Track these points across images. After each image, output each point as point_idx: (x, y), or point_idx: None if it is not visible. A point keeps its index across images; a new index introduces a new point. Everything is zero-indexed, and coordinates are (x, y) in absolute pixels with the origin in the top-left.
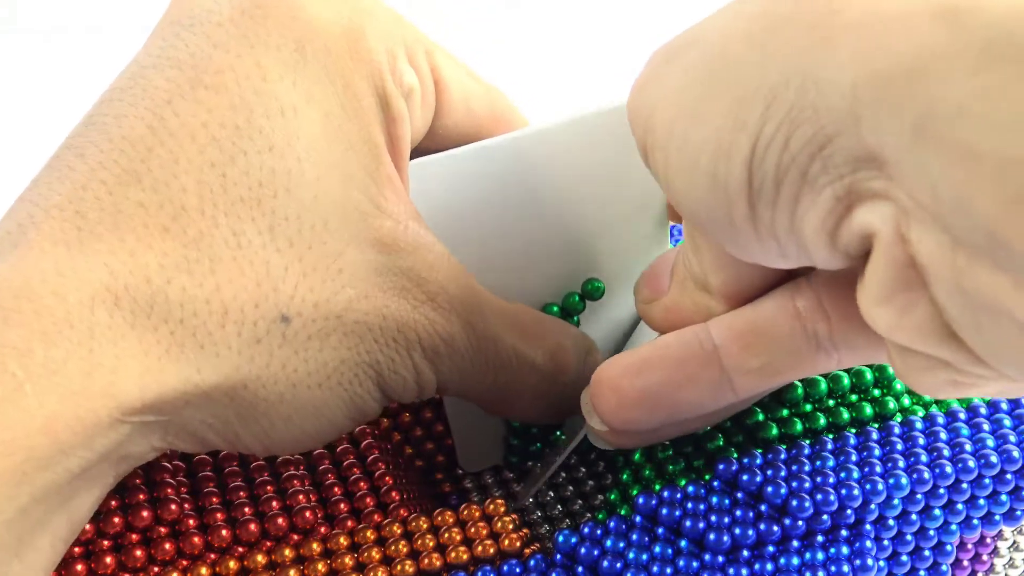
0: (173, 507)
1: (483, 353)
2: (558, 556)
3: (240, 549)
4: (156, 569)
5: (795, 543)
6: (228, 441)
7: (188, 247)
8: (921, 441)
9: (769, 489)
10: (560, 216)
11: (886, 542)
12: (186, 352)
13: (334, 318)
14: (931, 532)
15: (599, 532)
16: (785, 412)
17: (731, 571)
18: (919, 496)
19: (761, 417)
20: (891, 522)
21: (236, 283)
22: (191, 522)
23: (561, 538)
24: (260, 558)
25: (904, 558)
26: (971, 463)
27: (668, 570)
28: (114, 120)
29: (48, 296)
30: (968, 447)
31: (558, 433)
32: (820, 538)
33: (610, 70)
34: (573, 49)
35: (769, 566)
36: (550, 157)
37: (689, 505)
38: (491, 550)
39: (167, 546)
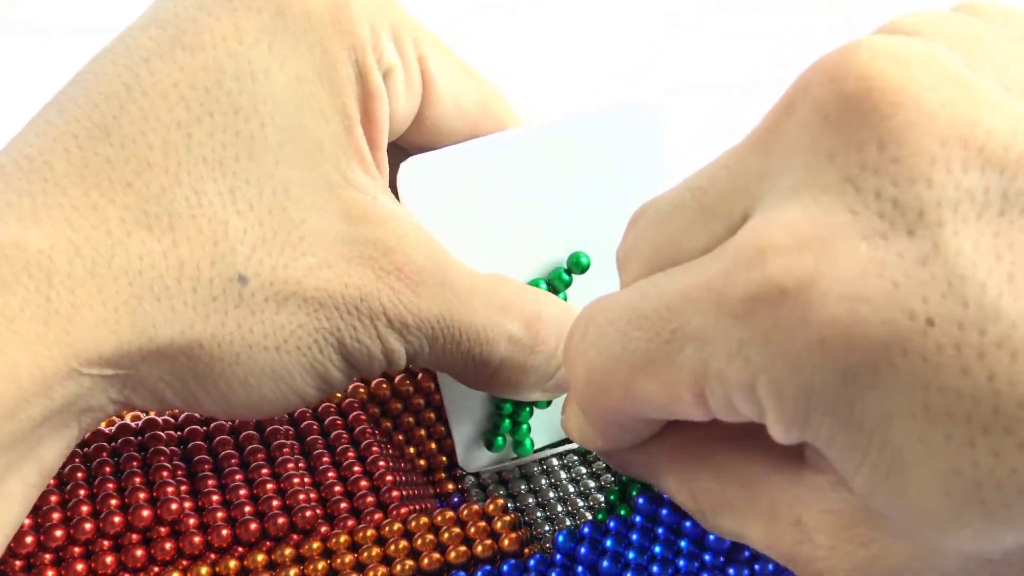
0: (173, 507)
1: (454, 324)
2: (558, 556)
3: (240, 549)
4: (156, 569)
5: None
6: (187, 402)
7: (149, 202)
8: None
9: None
10: (554, 214)
11: None
12: (143, 305)
13: (293, 283)
14: None
15: (599, 532)
16: None
17: (731, 571)
18: None
19: None
20: None
21: (193, 240)
22: (191, 522)
23: (561, 538)
24: (260, 557)
25: None
26: None
27: (668, 570)
28: (94, 77)
29: (9, 246)
30: None
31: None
32: None
33: (602, 71)
34: (568, 50)
35: (769, 566)
36: (544, 156)
37: None
38: (491, 550)
39: (167, 546)
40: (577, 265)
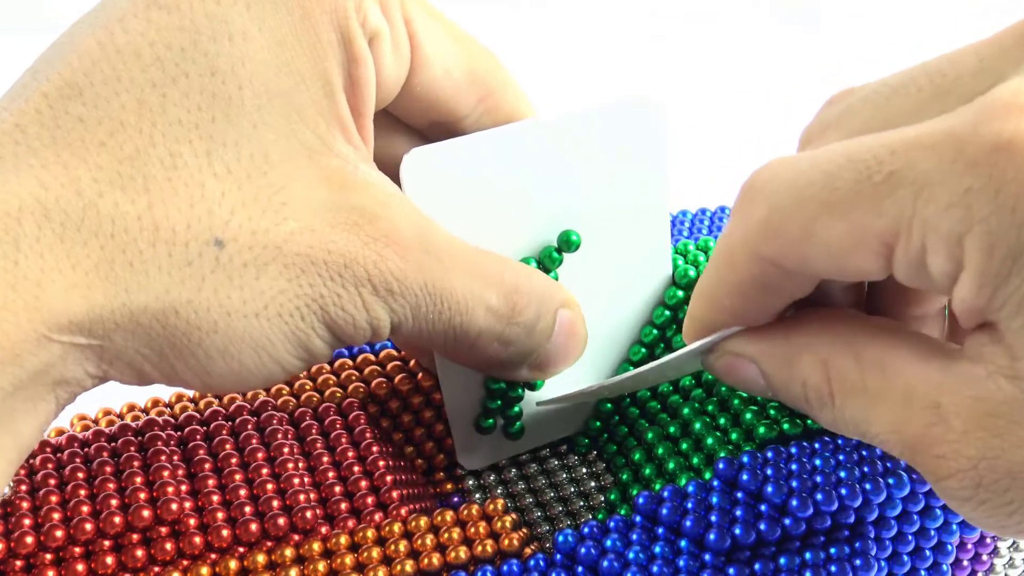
0: (174, 507)
1: (437, 292)
2: (558, 556)
3: (240, 549)
4: (157, 569)
5: (795, 543)
6: (165, 375)
7: (123, 163)
8: None
9: (769, 489)
10: (558, 208)
11: (887, 542)
12: (115, 269)
13: (273, 248)
14: (932, 531)
15: (599, 532)
16: (784, 412)
17: (731, 571)
18: (919, 495)
19: (760, 417)
20: (892, 521)
21: (169, 203)
22: (192, 522)
23: (561, 538)
24: (260, 558)
25: (905, 558)
26: None
27: (668, 570)
28: (69, 39)
29: None
30: None
31: (520, 390)
32: (820, 538)
33: (606, 68)
34: (571, 46)
35: (769, 566)
36: (548, 149)
37: (689, 505)
38: (491, 550)
39: (168, 546)
40: (568, 243)
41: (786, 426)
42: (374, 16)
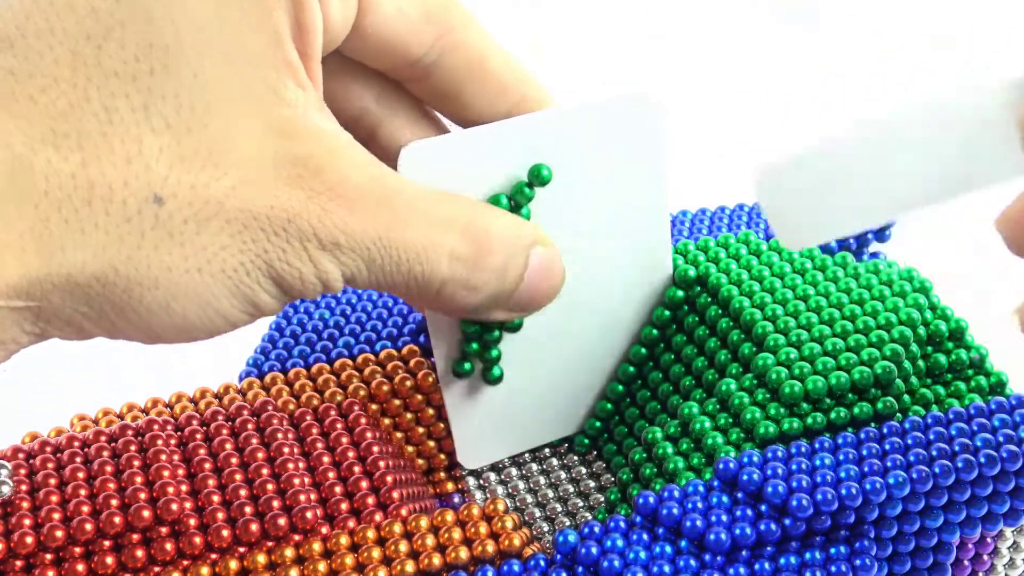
0: (174, 507)
1: (392, 243)
2: (558, 556)
3: (241, 549)
4: (157, 569)
5: (795, 543)
6: (106, 330)
7: (56, 119)
8: (921, 440)
9: (769, 488)
10: (554, 202)
11: (886, 541)
12: (51, 228)
13: (215, 203)
14: (932, 531)
15: (599, 532)
16: (784, 412)
17: (731, 571)
18: (919, 495)
19: (760, 416)
20: (891, 521)
21: (104, 160)
22: (192, 522)
23: (561, 538)
24: (261, 558)
25: (904, 557)
26: (971, 462)
27: (668, 570)
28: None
29: None
30: (968, 447)
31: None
32: (820, 538)
33: (607, 67)
34: (569, 42)
35: (769, 566)
36: (546, 144)
37: (689, 505)
38: (491, 550)
39: (168, 546)
40: (538, 177)
41: (786, 425)
42: None
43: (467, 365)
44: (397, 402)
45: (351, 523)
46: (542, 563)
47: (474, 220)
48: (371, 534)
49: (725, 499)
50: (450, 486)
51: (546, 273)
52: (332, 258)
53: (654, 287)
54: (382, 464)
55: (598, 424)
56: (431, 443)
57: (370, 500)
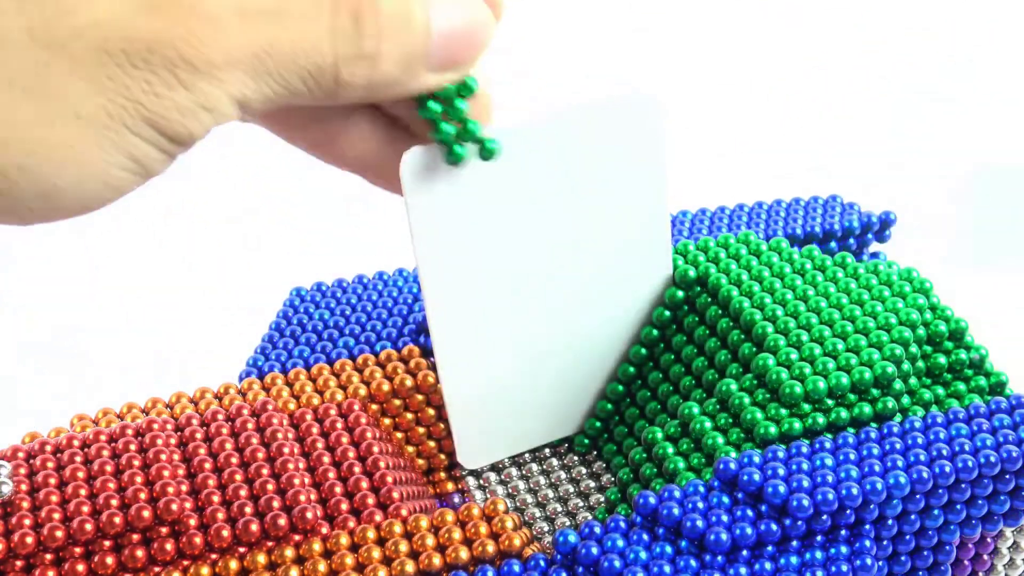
0: (174, 507)
1: (271, 47)
2: (558, 556)
3: (241, 549)
4: (157, 569)
5: (795, 543)
6: None
7: None
8: (921, 440)
9: (769, 489)
10: (556, 203)
11: (886, 542)
12: None
13: (58, 46)
14: (931, 531)
15: (599, 532)
16: (784, 412)
17: (731, 571)
18: (919, 495)
19: (760, 417)
20: (891, 521)
21: None
22: (192, 522)
23: (561, 538)
24: (261, 558)
25: (904, 557)
26: (971, 463)
27: (668, 570)
28: None
29: None
30: (968, 447)
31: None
32: (820, 538)
33: (606, 66)
34: (566, 39)
35: (769, 566)
36: (546, 146)
37: (689, 505)
38: (491, 550)
39: (168, 546)
40: (466, 88)
41: (786, 426)
42: None
43: (457, 149)
44: (397, 402)
45: (351, 523)
46: (542, 563)
47: (351, 18)
48: (371, 534)
49: (725, 499)
50: (450, 486)
51: (458, 12)
52: (211, 80)
53: (654, 287)
54: (382, 464)
55: (598, 424)
56: (431, 443)
57: (370, 500)
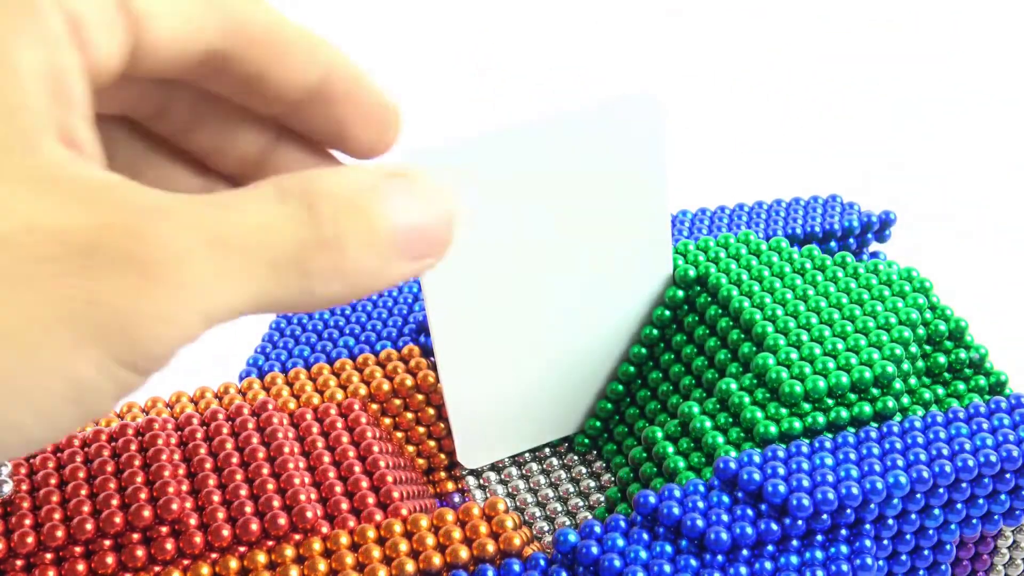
0: (174, 506)
1: (228, 242)
2: (558, 555)
3: (241, 548)
4: (157, 568)
5: (795, 542)
6: None
7: None
8: (920, 440)
9: (769, 488)
10: (556, 205)
11: (886, 541)
12: None
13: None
14: (931, 531)
15: (599, 531)
16: (784, 411)
17: (731, 571)
18: (919, 495)
19: (760, 416)
20: (891, 521)
21: None
22: (192, 521)
23: (561, 538)
24: (261, 557)
25: (904, 557)
26: (971, 462)
27: (668, 569)
28: None
29: None
30: (968, 446)
31: None
32: (820, 537)
33: (606, 65)
34: (566, 39)
35: (769, 565)
36: (545, 149)
37: (689, 504)
38: (491, 550)
39: (168, 545)
40: None
41: (786, 425)
42: None
43: None
44: (397, 402)
45: (351, 522)
46: (542, 563)
47: (294, 181)
48: (371, 533)
49: (725, 498)
50: (450, 486)
51: (419, 205)
52: (160, 281)
53: (654, 287)
54: (382, 464)
55: (598, 424)
56: (431, 443)
57: (370, 499)
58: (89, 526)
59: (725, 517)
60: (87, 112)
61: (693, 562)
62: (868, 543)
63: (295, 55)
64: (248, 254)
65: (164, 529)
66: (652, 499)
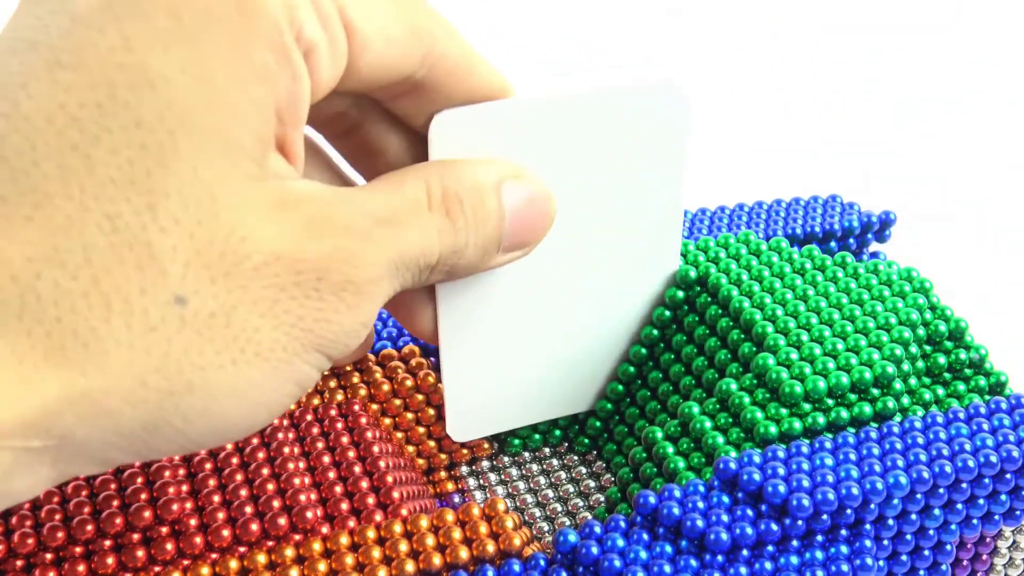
0: (174, 507)
1: (403, 255)
2: (558, 556)
3: (241, 549)
4: (157, 569)
5: (795, 543)
6: (137, 454)
7: (56, 235)
8: (921, 440)
9: (769, 488)
10: (578, 180)
11: (886, 541)
12: (67, 354)
13: (239, 289)
14: (931, 531)
15: (599, 532)
16: (784, 412)
17: (731, 571)
18: (919, 495)
19: (760, 416)
20: (891, 521)
21: (115, 272)
22: (192, 522)
23: (561, 538)
24: (261, 558)
25: (904, 557)
26: (971, 462)
27: (668, 570)
28: None
29: None
30: (968, 446)
31: None
32: (820, 538)
33: (606, 65)
34: (583, 30)
35: (769, 565)
36: (571, 124)
37: (689, 504)
38: (491, 550)
39: (168, 546)
40: None
41: (786, 425)
42: (310, 27)
43: None
44: (397, 402)
45: (351, 523)
46: (542, 563)
47: (435, 184)
48: (371, 534)
49: (725, 499)
50: (450, 486)
51: (528, 206)
52: (370, 296)
53: (659, 286)
54: (382, 464)
55: (598, 424)
56: (431, 443)
57: (370, 500)
58: (89, 527)
59: (725, 517)
60: (303, 124)
61: (693, 562)
62: (868, 543)
63: (479, 86)
64: (411, 266)
65: (164, 530)
66: (652, 499)
